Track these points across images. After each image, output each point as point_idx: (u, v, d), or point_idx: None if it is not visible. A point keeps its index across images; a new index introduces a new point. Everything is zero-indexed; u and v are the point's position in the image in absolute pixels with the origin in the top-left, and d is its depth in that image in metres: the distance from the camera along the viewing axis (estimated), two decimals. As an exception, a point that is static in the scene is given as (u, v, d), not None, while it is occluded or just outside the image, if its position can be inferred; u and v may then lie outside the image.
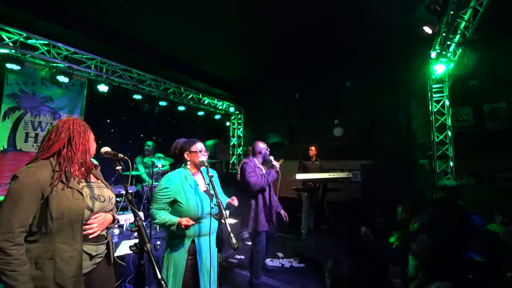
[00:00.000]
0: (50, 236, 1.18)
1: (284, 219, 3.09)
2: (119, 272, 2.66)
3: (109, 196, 1.42)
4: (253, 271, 2.90)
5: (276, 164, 2.98)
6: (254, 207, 2.89)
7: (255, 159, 3.05)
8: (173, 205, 1.78)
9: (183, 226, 1.64)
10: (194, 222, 1.69)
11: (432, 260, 2.27)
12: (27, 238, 1.17)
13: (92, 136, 1.44)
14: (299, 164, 5.04)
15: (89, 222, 1.30)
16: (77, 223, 1.23)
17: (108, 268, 1.44)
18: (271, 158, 3.05)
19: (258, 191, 2.88)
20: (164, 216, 1.73)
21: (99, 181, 1.47)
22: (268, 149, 3.11)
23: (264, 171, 3.05)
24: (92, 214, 1.31)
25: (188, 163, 1.93)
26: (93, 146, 1.43)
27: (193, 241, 1.76)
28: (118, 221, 1.52)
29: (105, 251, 1.41)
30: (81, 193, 1.27)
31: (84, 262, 1.26)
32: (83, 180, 1.36)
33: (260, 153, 3.06)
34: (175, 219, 1.70)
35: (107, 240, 1.43)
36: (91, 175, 1.45)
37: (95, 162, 1.57)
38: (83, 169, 1.37)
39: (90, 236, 1.30)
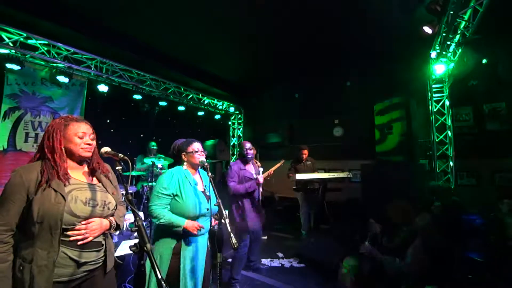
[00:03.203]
0: (33, 240, 1.16)
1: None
2: (119, 272, 2.66)
3: (105, 201, 1.34)
4: (235, 267, 2.95)
5: (260, 178, 3.04)
6: (240, 206, 2.98)
7: (239, 161, 3.11)
8: (172, 200, 1.78)
9: (191, 230, 1.68)
10: (203, 227, 1.72)
11: (429, 262, 2.26)
12: (21, 239, 1.18)
13: (72, 129, 1.30)
14: (291, 166, 4.98)
15: (77, 227, 1.23)
16: (55, 229, 1.16)
17: (103, 278, 1.34)
18: (260, 170, 3.13)
19: (242, 195, 2.96)
20: (169, 216, 1.71)
21: (101, 184, 1.40)
22: (251, 150, 3.13)
23: (253, 171, 3.12)
24: (79, 219, 1.23)
25: (185, 163, 1.92)
26: (76, 140, 1.29)
27: (180, 240, 1.75)
28: (118, 227, 1.41)
29: (102, 259, 1.34)
30: (64, 197, 1.20)
31: (70, 269, 1.21)
32: (76, 182, 1.29)
33: (242, 155, 3.11)
34: (181, 222, 1.69)
35: (103, 247, 1.34)
36: (94, 177, 1.40)
37: (107, 165, 1.49)
38: (66, 171, 1.27)
39: (79, 243, 1.22)
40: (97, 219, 1.30)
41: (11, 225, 1.16)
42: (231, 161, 3.20)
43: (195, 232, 1.69)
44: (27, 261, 1.14)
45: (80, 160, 1.36)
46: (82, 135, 1.31)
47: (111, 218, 1.38)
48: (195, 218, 1.77)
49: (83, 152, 1.32)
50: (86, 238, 1.24)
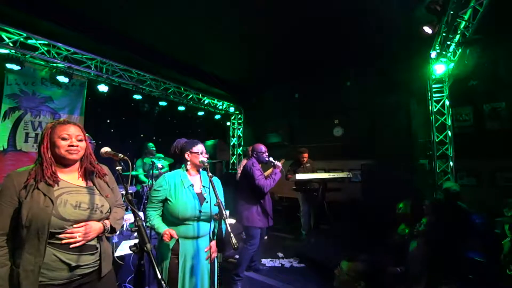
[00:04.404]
0: (22, 244, 1.16)
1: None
2: (119, 272, 2.66)
3: (97, 204, 1.31)
4: (242, 263, 2.96)
5: (279, 164, 3.09)
6: (262, 205, 3.03)
7: (256, 161, 3.14)
8: (164, 203, 1.82)
9: (163, 238, 1.68)
10: (176, 237, 1.71)
11: (432, 262, 2.27)
12: (13, 243, 1.18)
13: (57, 132, 1.28)
14: (290, 168, 4.97)
15: (70, 230, 1.21)
16: (42, 233, 1.15)
17: (97, 283, 1.32)
18: (271, 159, 3.15)
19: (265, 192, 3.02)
20: (154, 221, 1.79)
21: (94, 187, 1.37)
22: (266, 152, 3.18)
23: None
24: (69, 223, 1.21)
25: (189, 163, 1.93)
26: (60, 142, 1.27)
27: (177, 241, 1.76)
28: (114, 230, 1.39)
29: (97, 262, 1.32)
30: (52, 201, 1.18)
31: (63, 272, 1.20)
32: (66, 185, 1.28)
33: (257, 155, 3.15)
34: (161, 229, 1.73)
35: (97, 251, 1.32)
36: (88, 180, 1.37)
37: (104, 167, 1.48)
38: (55, 173, 1.26)
39: (71, 246, 1.21)
40: (90, 223, 1.28)
41: (5, 229, 1.16)
42: (249, 160, 3.14)
43: (165, 240, 1.69)
44: (16, 265, 1.14)
45: (70, 164, 1.33)
46: (67, 137, 1.29)
47: (106, 221, 1.36)
48: (187, 219, 1.76)
49: (68, 155, 1.28)
50: (78, 241, 1.23)
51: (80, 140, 1.32)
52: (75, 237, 1.22)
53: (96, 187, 1.38)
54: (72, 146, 1.29)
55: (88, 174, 1.38)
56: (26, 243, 1.15)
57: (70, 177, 1.33)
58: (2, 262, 1.14)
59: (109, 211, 1.38)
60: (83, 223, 1.26)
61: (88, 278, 1.29)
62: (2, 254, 1.15)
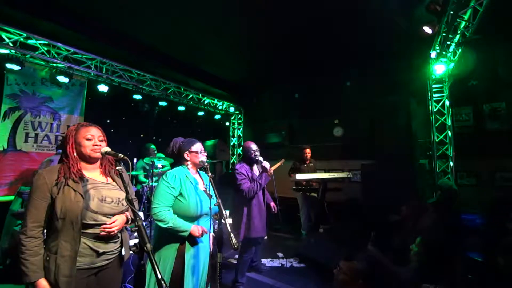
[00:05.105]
0: (57, 233, 1.31)
1: (273, 210, 3.20)
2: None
3: (119, 198, 1.47)
4: (240, 270, 2.90)
5: (267, 166, 2.82)
6: (246, 213, 2.79)
7: (245, 164, 2.92)
8: (175, 200, 1.79)
9: (196, 235, 1.69)
10: (207, 232, 1.73)
11: (429, 261, 2.27)
12: (47, 233, 1.35)
13: (82, 134, 1.44)
14: (293, 165, 4.97)
15: (109, 225, 1.39)
16: (76, 224, 1.31)
17: (117, 268, 1.52)
18: (261, 158, 2.87)
19: (252, 197, 2.78)
20: (177, 221, 1.69)
21: (115, 182, 1.53)
22: (257, 151, 2.92)
23: (257, 173, 2.95)
24: (97, 215, 1.37)
25: (189, 163, 1.94)
26: (85, 143, 1.43)
27: (184, 240, 1.74)
28: (133, 221, 1.51)
29: (118, 249, 1.50)
30: (82, 196, 1.34)
31: (91, 258, 1.37)
32: (92, 182, 1.43)
33: (245, 158, 2.96)
34: (188, 226, 1.69)
35: (119, 239, 1.50)
36: (108, 177, 1.53)
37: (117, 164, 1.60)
38: (80, 171, 1.41)
39: (102, 233, 1.38)
40: (118, 216, 1.45)
41: (41, 221, 1.31)
42: (236, 164, 2.90)
43: (197, 235, 1.70)
44: (52, 252, 1.30)
45: (93, 161, 1.49)
46: (90, 138, 1.45)
47: (126, 213, 1.53)
48: (197, 218, 1.77)
49: (93, 153, 1.44)
50: (110, 233, 1.39)
51: (102, 141, 1.49)
52: (113, 231, 1.39)
53: (116, 183, 1.54)
54: (96, 145, 1.45)
55: (107, 171, 1.54)
56: (62, 233, 1.31)
57: (94, 174, 1.49)
58: (36, 252, 1.28)
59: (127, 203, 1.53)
60: (114, 217, 1.43)
61: (110, 263, 1.46)
62: (38, 244, 1.29)
